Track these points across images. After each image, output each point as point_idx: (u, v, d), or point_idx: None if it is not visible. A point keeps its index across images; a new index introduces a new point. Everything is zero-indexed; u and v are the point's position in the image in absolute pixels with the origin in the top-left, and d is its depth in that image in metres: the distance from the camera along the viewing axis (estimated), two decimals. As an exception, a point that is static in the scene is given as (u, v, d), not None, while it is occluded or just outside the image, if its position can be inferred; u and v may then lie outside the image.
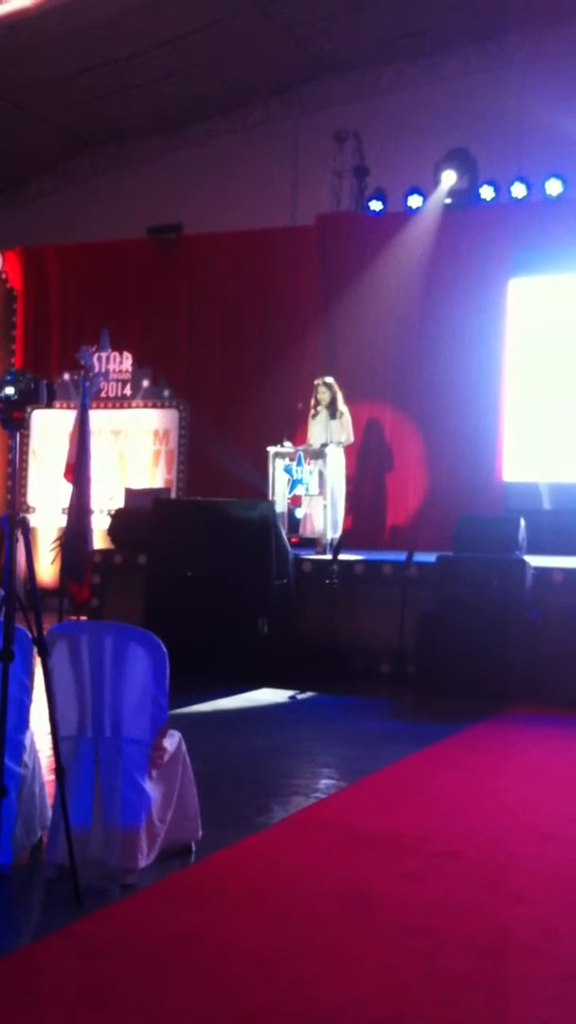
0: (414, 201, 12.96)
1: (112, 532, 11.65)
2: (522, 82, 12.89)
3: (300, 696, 9.13)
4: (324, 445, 10.98)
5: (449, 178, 12.76)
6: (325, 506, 10.83)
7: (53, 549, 12.68)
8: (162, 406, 14.16)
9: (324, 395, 11.39)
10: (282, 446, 10.99)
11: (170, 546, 10.22)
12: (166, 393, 14.14)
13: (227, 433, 13.37)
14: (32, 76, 13.35)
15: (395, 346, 13.02)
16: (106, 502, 13.41)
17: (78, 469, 12.31)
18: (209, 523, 10.15)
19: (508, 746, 7.71)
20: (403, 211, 13.06)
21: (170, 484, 13.86)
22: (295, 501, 11.07)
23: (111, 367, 14.21)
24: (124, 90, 13.89)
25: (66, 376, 14.22)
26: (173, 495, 13.37)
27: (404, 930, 4.16)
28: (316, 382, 11.54)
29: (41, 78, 13.41)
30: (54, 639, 4.67)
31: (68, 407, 13.47)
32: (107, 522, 12.12)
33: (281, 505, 10.74)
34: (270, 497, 10.75)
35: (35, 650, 4.46)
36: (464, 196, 12.86)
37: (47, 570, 12.90)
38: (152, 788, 4.68)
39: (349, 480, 11.51)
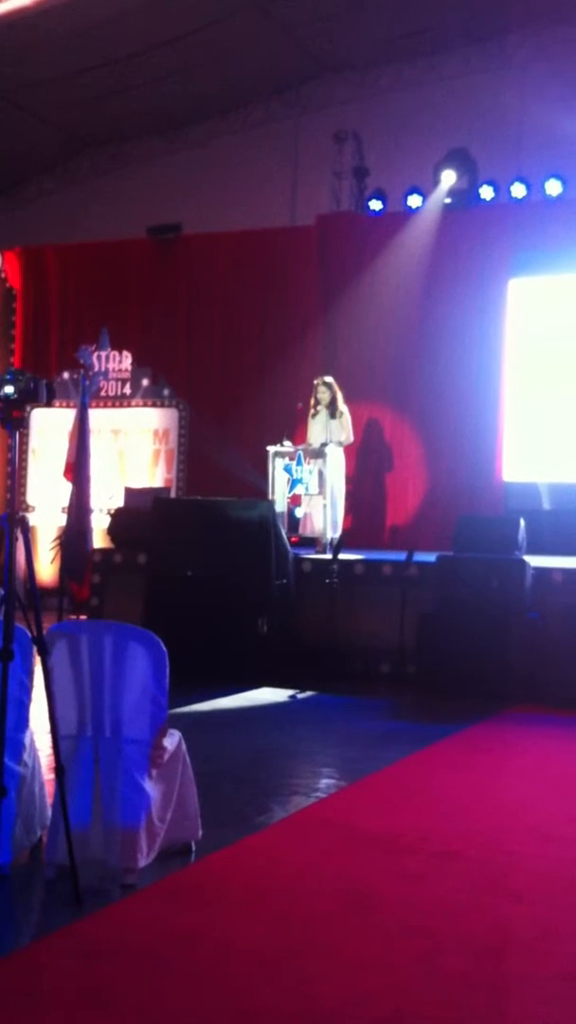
0: (414, 201, 12.96)
1: (112, 531, 11.65)
2: (522, 82, 12.88)
3: (300, 696, 9.13)
4: (324, 444, 10.98)
5: (449, 178, 12.76)
6: (325, 506, 10.83)
7: (53, 548, 12.67)
8: (162, 405, 14.16)
9: (324, 395, 11.40)
10: (282, 445, 10.99)
11: (170, 545, 10.22)
12: (166, 392, 14.14)
13: (227, 432, 13.37)
14: (32, 76, 13.35)
15: (395, 346, 13.02)
16: (106, 501, 13.41)
17: (78, 468, 12.31)
18: (209, 522, 10.15)
19: (508, 746, 7.71)
20: (403, 211, 13.06)
21: (170, 483, 13.86)
22: (295, 500, 11.07)
23: (111, 366, 14.21)
24: (124, 90, 13.88)
25: (65, 375, 14.22)
26: (173, 494, 13.37)
27: (404, 930, 4.16)
28: (316, 382, 11.54)
29: (41, 78, 13.41)
30: (54, 638, 4.67)
31: (68, 406, 13.47)
32: (107, 521, 12.12)
33: (281, 504, 10.74)
34: (270, 496, 10.75)
35: (35, 649, 4.46)
36: (464, 196, 12.86)
37: (47, 569, 12.90)
38: (152, 788, 4.68)
39: (349, 480, 11.51)
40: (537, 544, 10.35)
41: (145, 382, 14.19)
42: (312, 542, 11.03)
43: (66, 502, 12.49)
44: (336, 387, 11.46)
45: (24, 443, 14.22)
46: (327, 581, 9.86)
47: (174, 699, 4.88)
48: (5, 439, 14.06)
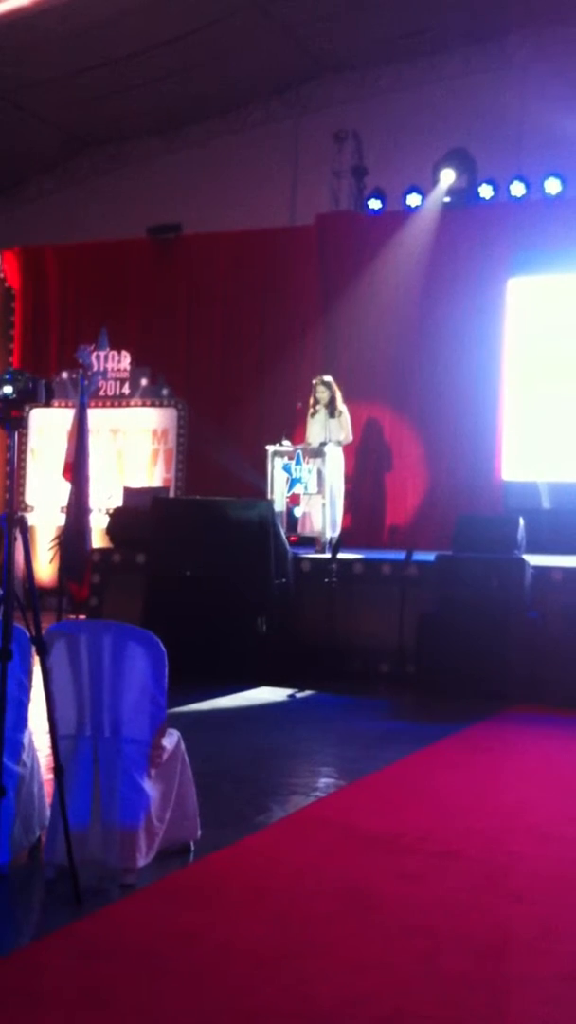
0: (413, 200, 12.95)
1: (111, 531, 11.64)
2: (522, 82, 12.87)
3: (299, 695, 9.12)
4: (323, 444, 10.97)
5: (448, 177, 12.75)
6: (324, 505, 10.83)
7: (52, 548, 12.66)
8: (161, 405, 14.15)
9: (323, 394, 11.39)
10: (281, 445, 10.99)
11: (169, 545, 10.22)
12: (165, 392, 14.13)
13: (226, 432, 13.36)
14: (32, 76, 13.34)
15: (394, 345, 13.02)
16: (105, 501, 13.40)
17: (77, 468, 12.31)
18: (208, 522, 10.14)
19: (508, 746, 7.70)
20: (402, 210, 13.05)
21: (169, 483, 13.85)
22: (294, 500, 11.06)
23: (109, 366, 14.20)
24: (123, 90, 13.88)
25: (64, 375, 14.20)
26: (172, 494, 13.36)
27: (404, 930, 4.16)
28: (315, 381, 11.54)
29: (41, 78, 13.40)
30: (53, 638, 4.66)
31: (67, 406, 13.46)
32: (106, 521, 12.11)
33: (280, 504, 10.74)
34: (269, 496, 10.74)
35: (34, 649, 4.45)
36: (463, 195, 12.84)
37: (46, 569, 12.88)
38: (151, 787, 4.68)
39: (348, 479, 11.51)
40: (537, 543, 10.35)
41: (144, 382, 14.18)
42: (311, 541, 11.03)
43: (65, 502, 12.49)
44: (335, 386, 11.46)
45: (23, 443, 14.21)
46: (326, 580, 9.85)
47: (173, 699, 4.88)
48: (4, 439, 14.06)
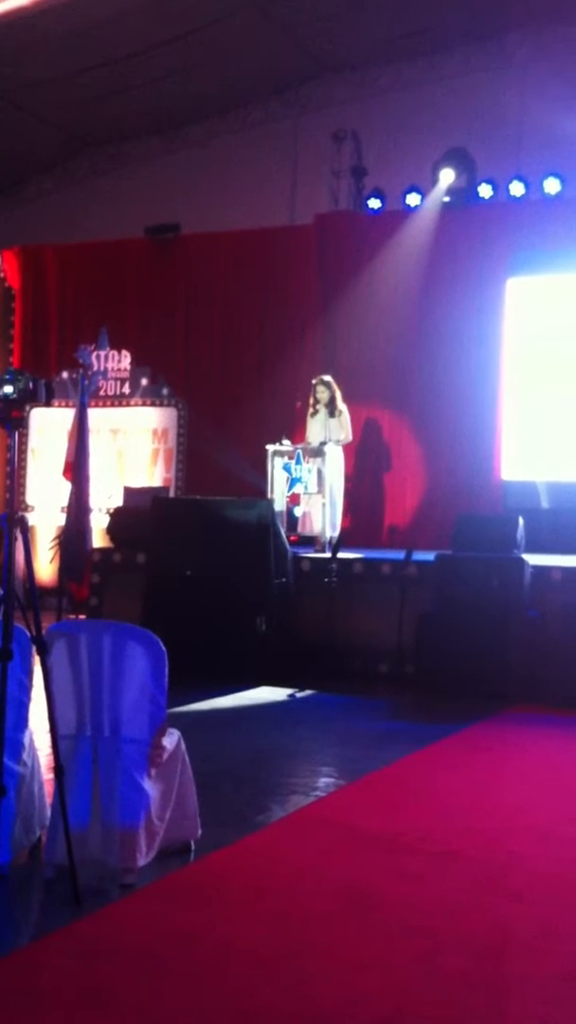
0: (412, 200, 12.94)
1: (111, 531, 11.65)
2: (522, 82, 12.87)
3: (299, 695, 9.12)
4: (323, 444, 10.98)
5: (447, 176, 12.74)
6: (324, 505, 10.83)
7: (52, 548, 12.66)
8: (161, 404, 14.15)
9: (323, 394, 11.40)
10: (281, 444, 10.99)
11: (169, 545, 10.22)
12: (165, 392, 14.14)
13: (226, 432, 13.36)
14: (31, 76, 13.33)
15: (394, 345, 13.02)
16: (105, 501, 13.40)
17: (77, 468, 12.31)
18: (208, 522, 10.14)
19: (508, 746, 7.70)
20: (401, 210, 13.04)
21: (169, 483, 13.85)
22: (294, 500, 11.07)
23: (110, 366, 14.21)
24: (123, 90, 13.87)
25: (65, 375, 14.20)
26: (172, 494, 13.36)
27: (404, 930, 4.16)
28: (314, 381, 11.54)
29: (40, 78, 13.39)
30: (53, 638, 4.67)
31: (67, 406, 13.46)
32: (106, 521, 12.11)
33: (280, 504, 10.74)
34: (269, 496, 10.74)
35: (34, 649, 4.45)
36: (462, 195, 12.84)
37: (46, 569, 12.88)
38: (151, 787, 4.68)
39: (348, 479, 11.51)
40: (536, 543, 10.35)
41: (144, 381, 14.18)
42: (311, 541, 11.03)
43: (65, 502, 12.49)
44: (335, 386, 11.46)
45: (23, 443, 14.21)
46: (326, 580, 9.86)
47: (173, 698, 4.88)
48: (4, 439, 14.06)
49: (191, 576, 9.96)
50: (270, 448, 10.95)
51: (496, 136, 12.87)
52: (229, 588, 9.82)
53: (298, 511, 11.15)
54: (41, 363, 14.46)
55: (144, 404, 14.19)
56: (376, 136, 13.67)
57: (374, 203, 13.27)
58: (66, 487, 12.44)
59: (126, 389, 14.25)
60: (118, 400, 14.26)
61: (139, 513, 11.04)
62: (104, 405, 14.11)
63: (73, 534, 12.09)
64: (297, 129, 14.42)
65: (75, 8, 11.93)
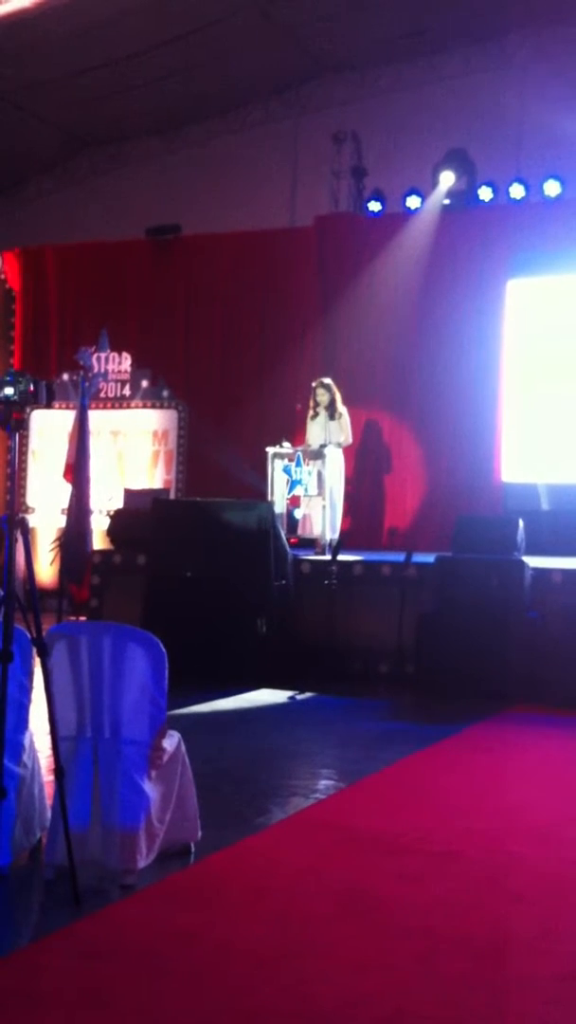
0: (412, 202, 12.96)
1: (111, 533, 11.65)
2: (522, 82, 12.88)
3: (299, 697, 9.12)
4: (323, 446, 10.99)
5: (448, 179, 12.76)
6: (324, 507, 10.84)
7: (52, 550, 12.67)
8: (161, 406, 14.16)
9: (323, 396, 11.40)
10: (281, 447, 11.00)
11: (169, 547, 10.22)
12: (165, 394, 14.14)
13: (226, 434, 13.37)
14: (32, 76, 13.35)
15: (394, 347, 13.03)
16: (105, 502, 13.41)
17: (77, 470, 12.30)
18: (208, 524, 10.14)
19: (508, 746, 7.71)
20: (402, 212, 13.06)
21: (169, 485, 13.86)
22: (294, 502, 11.08)
23: (110, 367, 14.21)
24: (124, 90, 13.88)
25: (65, 376, 14.21)
26: (172, 496, 13.37)
27: (403, 930, 4.16)
28: (314, 384, 11.55)
29: (41, 78, 13.41)
30: (53, 640, 4.67)
31: (67, 407, 13.46)
32: (106, 523, 12.12)
33: (280, 506, 10.75)
34: (269, 498, 10.75)
35: (34, 651, 4.46)
36: (463, 197, 12.86)
37: (46, 571, 12.89)
38: (151, 789, 4.68)
39: (348, 481, 11.52)
40: (536, 545, 10.35)
41: (144, 383, 14.19)
42: (311, 543, 11.03)
43: (66, 503, 12.47)
44: (335, 389, 11.47)
45: (24, 445, 14.22)
46: (326, 582, 9.85)
47: (173, 700, 4.88)
48: (5, 441, 14.06)
49: (191, 578, 9.96)
50: (270, 450, 10.95)
51: (496, 137, 12.88)
52: (229, 590, 9.82)
53: (298, 513, 11.15)
54: (41, 365, 14.46)
55: (144, 406, 14.20)
56: (376, 136, 13.68)
57: (374, 205, 13.29)
58: (66, 489, 12.43)
59: (126, 391, 14.26)
60: (118, 402, 14.27)
61: (139, 515, 11.04)
62: (104, 407, 14.12)
63: (73, 536, 12.08)
64: (297, 129, 14.43)
65: (76, 8, 11.94)
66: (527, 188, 12.52)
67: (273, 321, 13.72)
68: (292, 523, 11.07)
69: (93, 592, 11.14)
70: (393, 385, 12.98)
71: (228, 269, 13.97)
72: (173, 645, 4.87)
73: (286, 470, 10.90)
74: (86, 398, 12.58)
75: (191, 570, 9.98)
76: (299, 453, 10.96)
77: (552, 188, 12.37)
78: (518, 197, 12.58)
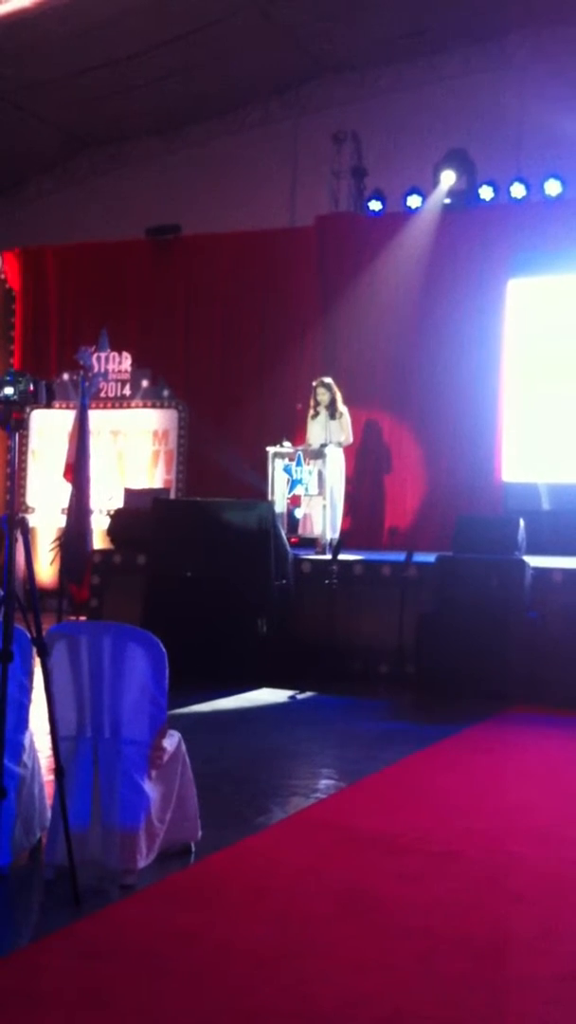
0: (413, 202, 12.95)
1: (111, 532, 11.65)
2: (522, 82, 12.88)
3: (299, 696, 9.13)
4: (323, 445, 10.99)
5: (448, 178, 12.75)
6: (324, 506, 10.84)
7: (52, 549, 12.67)
8: (161, 406, 14.16)
9: (323, 396, 11.40)
10: (281, 446, 11.00)
11: (169, 546, 10.22)
12: (165, 393, 14.14)
13: (226, 433, 13.36)
14: (32, 76, 13.35)
15: (394, 347, 13.02)
16: (105, 502, 13.40)
17: (77, 469, 12.30)
18: (208, 523, 10.14)
19: (508, 746, 7.71)
20: (402, 212, 13.05)
21: (169, 484, 13.86)
22: (294, 501, 11.08)
23: (110, 367, 14.21)
24: (124, 90, 13.88)
25: (65, 376, 14.21)
26: (172, 495, 13.37)
27: (403, 930, 4.16)
28: (315, 383, 11.55)
29: (41, 78, 13.40)
30: (53, 639, 4.67)
31: (67, 407, 13.46)
32: (106, 522, 12.12)
33: (280, 505, 10.74)
34: (269, 497, 10.75)
35: (34, 650, 4.46)
36: (463, 196, 12.85)
37: (46, 570, 12.89)
38: (151, 788, 4.68)
39: (348, 480, 11.52)
40: (536, 544, 10.35)
41: (144, 383, 14.19)
42: (311, 543, 11.03)
43: (66, 503, 12.47)
44: (335, 388, 11.47)
45: (24, 444, 14.22)
46: (326, 582, 9.85)
47: (173, 700, 4.88)
48: (5, 440, 14.06)
49: (191, 578, 9.96)
50: (271, 450, 10.95)
51: (496, 137, 12.88)
52: (229, 590, 9.83)
53: (299, 513, 11.15)
54: (41, 364, 14.46)
55: (144, 406, 14.20)
56: (376, 137, 13.68)
57: (375, 205, 13.28)
58: (66, 489, 12.43)
59: (127, 391, 14.26)
60: (119, 402, 14.27)
61: (139, 515, 11.05)
62: (105, 407, 14.11)
63: (73, 536, 12.08)
64: (297, 129, 14.43)
65: (76, 9, 11.94)
66: (528, 187, 12.51)
67: (273, 321, 13.71)
68: (292, 523, 11.07)
69: (93, 592, 11.14)
70: (393, 385, 12.97)
71: (228, 269, 13.96)
72: (173, 645, 4.87)
73: (286, 469, 10.90)
74: (86, 398, 12.58)
75: (191, 570, 9.98)
76: (299, 452, 10.96)
77: (553, 187, 12.36)
78: (519, 197, 12.57)
